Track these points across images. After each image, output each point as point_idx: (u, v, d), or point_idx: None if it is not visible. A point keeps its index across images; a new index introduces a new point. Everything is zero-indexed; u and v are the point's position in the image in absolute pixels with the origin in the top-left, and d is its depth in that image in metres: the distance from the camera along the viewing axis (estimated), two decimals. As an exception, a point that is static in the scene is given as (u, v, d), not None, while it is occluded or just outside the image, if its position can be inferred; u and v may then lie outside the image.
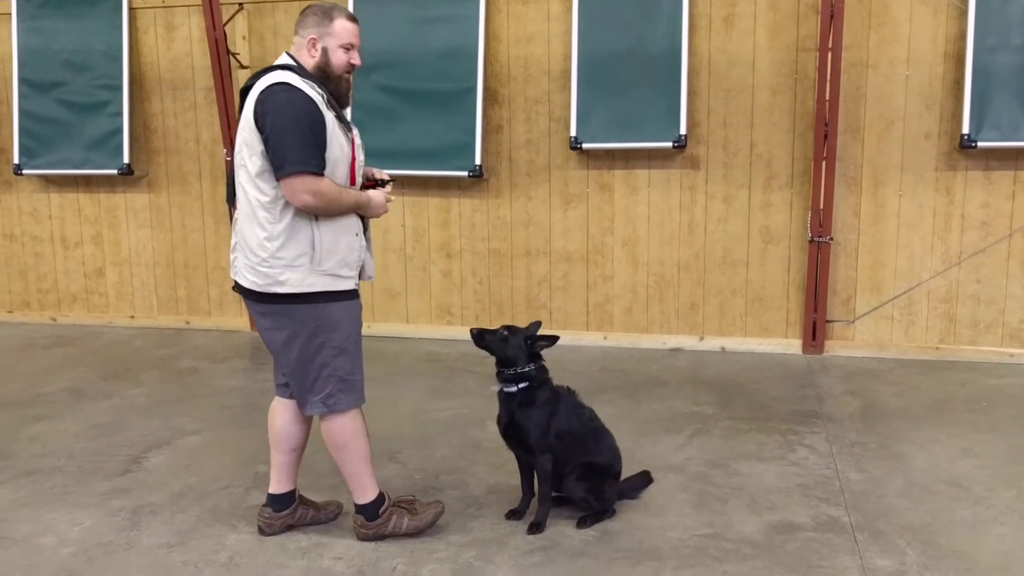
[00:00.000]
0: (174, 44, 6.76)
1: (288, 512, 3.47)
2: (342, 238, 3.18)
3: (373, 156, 6.29)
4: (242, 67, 6.55)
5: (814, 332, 5.96)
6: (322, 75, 3.16)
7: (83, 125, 6.77)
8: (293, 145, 2.99)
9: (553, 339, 3.48)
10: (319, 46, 3.15)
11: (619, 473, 3.65)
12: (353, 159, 3.25)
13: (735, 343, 6.14)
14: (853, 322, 5.99)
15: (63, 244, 7.20)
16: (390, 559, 3.28)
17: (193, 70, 6.76)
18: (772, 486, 3.87)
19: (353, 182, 3.26)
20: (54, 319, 7.30)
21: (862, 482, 3.89)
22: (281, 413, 3.42)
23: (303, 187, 3.00)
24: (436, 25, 6.16)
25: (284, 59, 3.19)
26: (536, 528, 3.45)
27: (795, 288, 6.02)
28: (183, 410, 5.03)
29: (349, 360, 3.26)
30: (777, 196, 5.96)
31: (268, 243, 3.09)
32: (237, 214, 3.20)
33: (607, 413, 4.82)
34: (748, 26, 5.85)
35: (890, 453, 4.22)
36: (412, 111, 6.21)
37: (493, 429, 4.58)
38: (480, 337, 3.46)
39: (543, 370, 3.51)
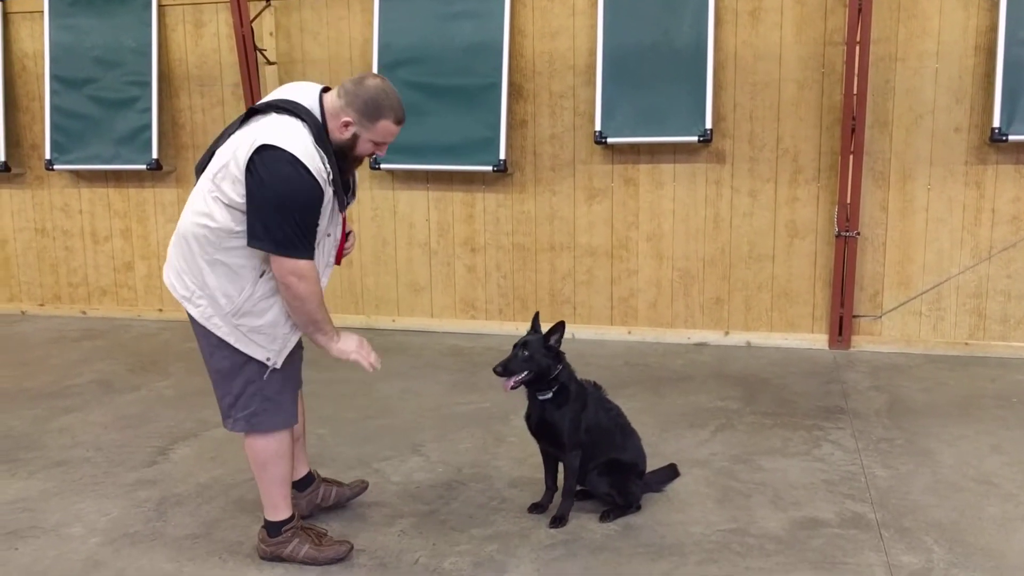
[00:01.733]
0: (202, 41, 6.82)
1: (311, 490, 3.50)
2: (273, 309, 2.96)
3: (398, 152, 6.32)
4: (269, 63, 6.59)
5: (840, 327, 5.91)
6: (339, 152, 2.94)
7: (113, 121, 6.85)
8: (281, 227, 2.77)
9: (561, 326, 3.43)
10: (352, 130, 2.93)
11: (643, 472, 3.64)
12: (343, 240, 3.14)
13: (760, 338, 6.11)
14: (880, 317, 5.94)
15: (93, 238, 7.29)
16: (412, 552, 3.29)
17: (221, 66, 6.81)
18: (796, 482, 3.84)
19: (338, 261, 3.17)
20: (84, 312, 7.40)
21: (888, 478, 3.86)
22: None
23: (287, 268, 2.83)
24: (461, 20, 6.17)
25: (312, 101, 2.91)
26: (559, 522, 3.45)
27: (821, 283, 5.97)
28: (209, 402, 5.02)
29: (278, 379, 3.06)
30: (803, 190, 5.91)
31: (201, 262, 2.91)
32: (190, 201, 2.99)
33: (631, 407, 4.82)
34: (775, 20, 5.80)
35: (917, 449, 4.18)
36: (437, 106, 6.22)
37: (516, 423, 4.61)
38: (506, 370, 3.34)
39: (567, 366, 3.50)
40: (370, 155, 3.06)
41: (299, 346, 3.21)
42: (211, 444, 4.40)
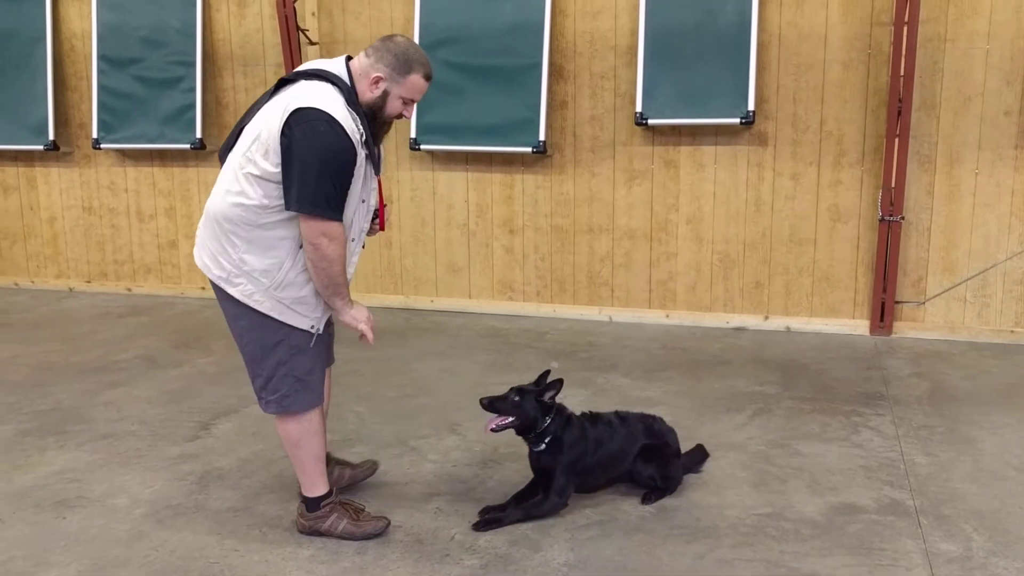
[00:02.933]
0: (245, 21, 6.87)
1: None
2: (311, 282, 3.01)
3: (438, 132, 6.37)
4: (311, 43, 6.63)
5: (882, 313, 5.83)
6: (370, 112, 2.97)
7: (158, 101, 6.95)
8: (318, 186, 2.81)
9: (558, 384, 3.36)
10: (382, 86, 2.96)
11: (678, 450, 3.64)
12: (381, 205, 3.19)
13: (801, 323, 6.05)
14: (923, 303, 5.85)
15: (138, 217, 7.41)
16: (448, 528, 3.33)
17: (264, 46, 6.87)
18: (834, 467, 3.81)
19: (382, 227, 3.23)
20: (129, 289, 7.54)
21: (928, 466, 3.82)
22: None
23: (319, 228, 2.85)
24: (502, 0, 6.15)
25: (339, 68, 2.97)
26: (490, 524, 3.31)
27: (864, 268, 5.89)
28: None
29: (308, 359, 3.10)
30: (847, 174, 5.83)
31: (237, 241, 2.94)
32: (219, 183, 3.01)
33: (667, 391, 4.84)
34: (821, 0, 5.72)
35: (958, 437, 4.13)
36: (477, 87, 6.22)
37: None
38: (491, 405, 3.31)
39: (561, 415, 3.41)
40: (398, 117, 3.06)
41: (330, 323, 3.23)
42: (252, 420, 4.47)
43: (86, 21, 7.14)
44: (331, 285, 2.98)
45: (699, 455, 3.85)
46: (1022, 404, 4.56)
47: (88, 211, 7.55)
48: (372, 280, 6.83)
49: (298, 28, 6.54)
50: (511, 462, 3.91)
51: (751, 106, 5.70)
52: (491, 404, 3.32)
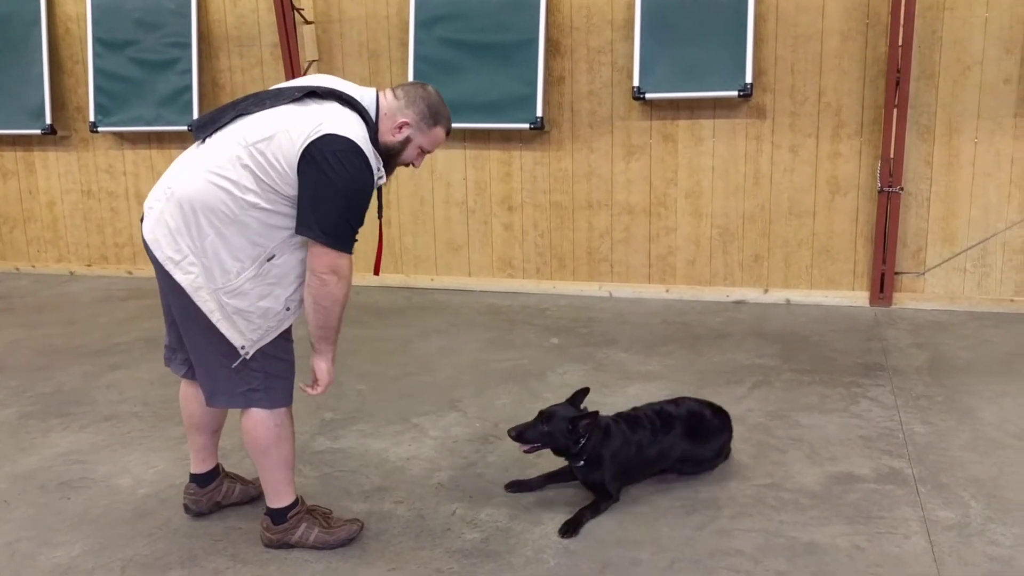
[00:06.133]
0: (240, 1, 6.84)
1: (213, 487, 3.30)
2: (268, 298, 2.78)
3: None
4: (307, 22, 6.60)
5: (882, 284, 5.83)
6: (385, 154, 2.84)
7: (154, 83, 6.93)
8: (342, 219, 2.69)
9: (593, 415, 3.24)
10: (406, 132, 2.85)
11: (720, 448, 3.58)
12: (380, 248, 3.14)
13: (800, 295, 6.05)
14: (923, 274, 5.85)
15: (138, 199, 7.41)
16: (449, 503, 3.35)
17: (259, 26, 6.84)
18: (833, 438, 3.83)
19: (376, 270, 3.19)
20: (130, 272, 7.55)
21: (927, 435, 3.83)
22: (196, 397, 3.07)
23: (332, 262, 2.71)
24: (497, -25, 6.12)
25: (369, 100, 2.82)
26: (571, 530, 3.14)
27: (863, 239, 5.89)
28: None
29: (280, 350, 2.92)
30: (846, 145, 5.81)
31: (205, 227, 2.71)
32: (197, 162, 2.79)
33: (667, 365, 4.85)
34: (817, -31, 5.67)
35: (957, 406, 4.14)
36: (473, 63, 6.20)
37: (553, 380, 4.66)
38: (520, 436, 3.21)
39: (598, 428, 3.28)
40: (407, 165, 2.97)
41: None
42: (254, 399, 4.48)
43: (80, 4, 7.11)
44: (326, 327, 2.82)
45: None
46: (1021, 373, 4.57)
47: (87, 195, 7.55)
48: (371, 260, 6.82)
49: (293, 7, 6.51)
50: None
51: (749, 79, 5.68)
52: (519, 436, 3.21)
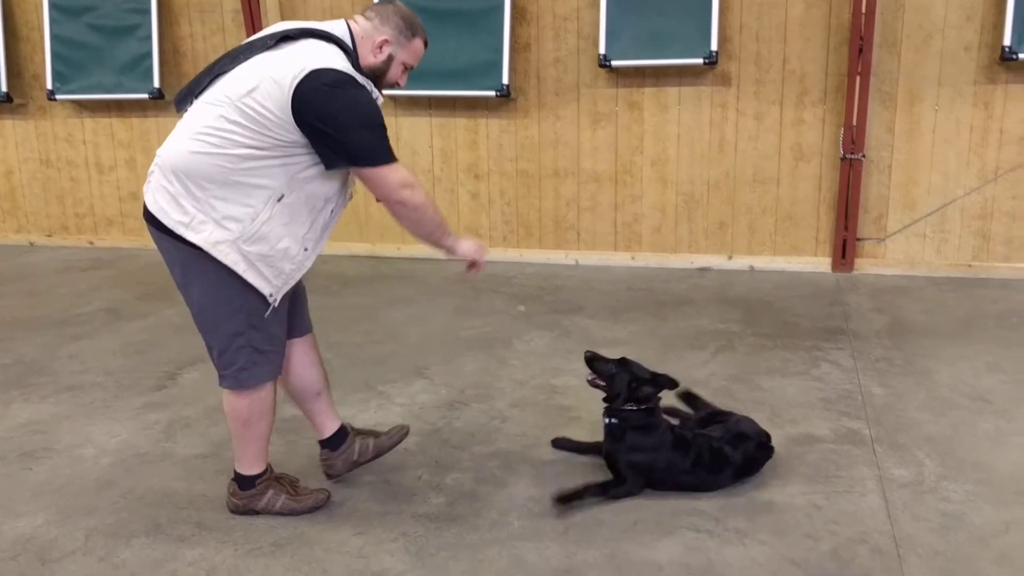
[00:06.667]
0: (200, -35, 6.72)
1: (345, 447, 3.26)
2: (287, 238, 2.77)
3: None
4: (268, -12, 6.51)
5: (844, 250, 5.91)
6: (371, 77, 2.82)
7: (114, 50, 6.80)
8: (371, 139, 2.70)
9: (667, 383, 3.18)
10: (387, 51, 2.83)
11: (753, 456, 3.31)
12: None
13: (764, 262, 6.12)
14: (884, 240, 5.93)
15: (98, 169, 7.30)
16: (415, 468, 3.37)
17: (220, -8, 6.73)
18: (794, 400, 3.89)
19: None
20: (91, 243, 7.45)
21: (884, 396, 3.91)
22: (287, 369, 3.10)
23: (394, 180, 2.72)
24: (462, -59, 6.05)
25: (341, 30, 2.80)
26: (566, 500, 3.08)
27: (826, 206, 5.95)
28: (217, 329, 5.13)
29: (265, 330, 2.87)
30: (809, 113, 5.86)
31: (206, 183, 2.68)
32: (181, 132, 2.76)
33: (633, 332, 4.89)
34: (782, -64, 5.67)
35: (915, 369, 4.22)
36: (438, 30, 6.11)
37: (519, 348, 4.67)
38: (590, 362, 3.21)
39: (646, 415, 3.17)
40: (393, 84, 2.93)
41: (301, 289, 3.11)
42: (219, 369, 4.46)
43: (35, -32, 6.95)
44: (436, 228, 2.91)
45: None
46: (978, 336, 4.66)
47: (46, 164, 7.42)
48: (338, 229, 6.75)
49: (254, -28, 6.41)
50: (477, 403, 3.95)
51: (714, 46, 5.69)
52: (592, 360, 3.21)
